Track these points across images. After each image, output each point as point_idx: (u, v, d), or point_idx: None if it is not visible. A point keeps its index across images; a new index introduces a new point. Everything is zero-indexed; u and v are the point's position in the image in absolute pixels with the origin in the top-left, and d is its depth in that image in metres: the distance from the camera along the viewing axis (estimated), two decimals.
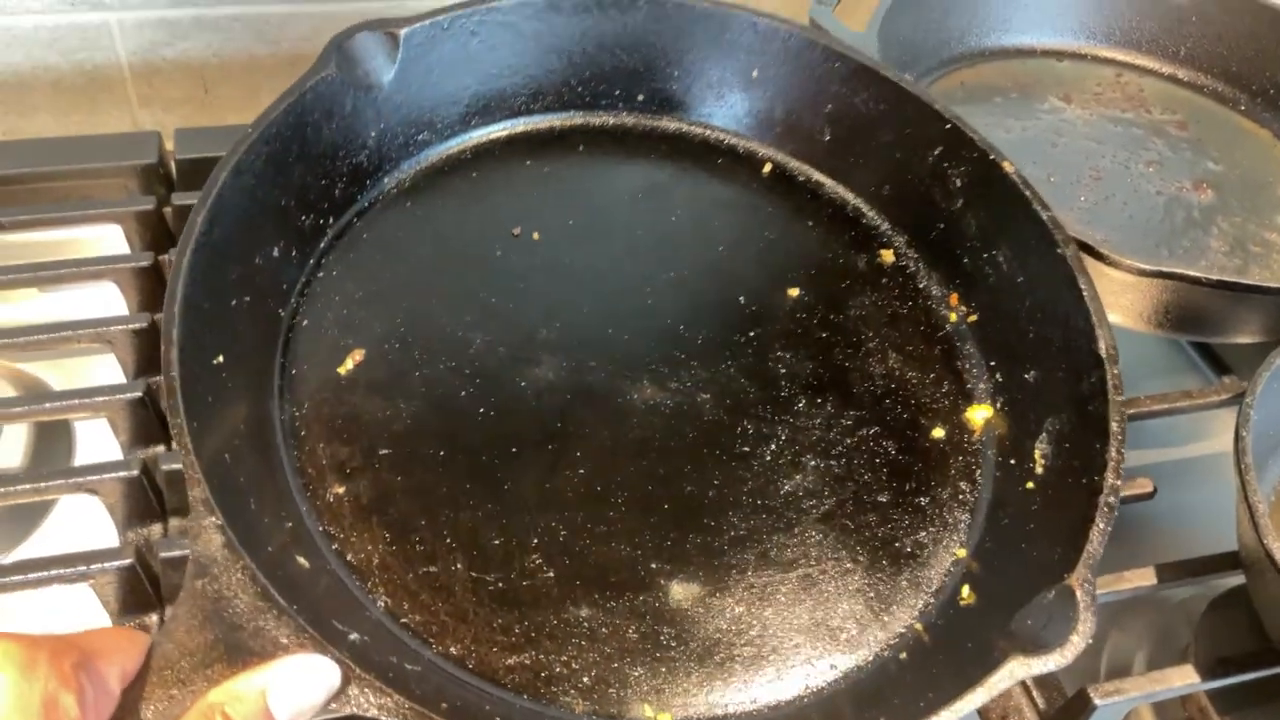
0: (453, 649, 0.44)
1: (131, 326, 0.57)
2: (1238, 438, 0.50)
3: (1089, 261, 0.58)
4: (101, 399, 0.54)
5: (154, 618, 0.49)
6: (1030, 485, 0.51)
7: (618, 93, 0.65)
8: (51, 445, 0.60)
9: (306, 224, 0.54)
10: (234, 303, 0.49)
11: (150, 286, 0.61)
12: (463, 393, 0.52)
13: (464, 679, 0.43)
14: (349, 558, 0.46)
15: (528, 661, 0.44)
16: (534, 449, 0.51)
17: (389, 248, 0.56)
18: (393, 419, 0.50)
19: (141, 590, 0.49)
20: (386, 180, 0.59)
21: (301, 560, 0.44)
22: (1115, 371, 0.50)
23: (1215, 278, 0.57)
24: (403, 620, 0.44)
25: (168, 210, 0.65)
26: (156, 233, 0.65)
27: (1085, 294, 0.53)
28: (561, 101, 0.64)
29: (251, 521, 0.41)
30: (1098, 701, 0.48)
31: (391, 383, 0.52)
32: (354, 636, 0.40)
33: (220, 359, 0.46)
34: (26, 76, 0.74)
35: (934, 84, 0.79)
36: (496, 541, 0.47)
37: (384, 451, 0.49)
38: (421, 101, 0.59)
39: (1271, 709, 0.53)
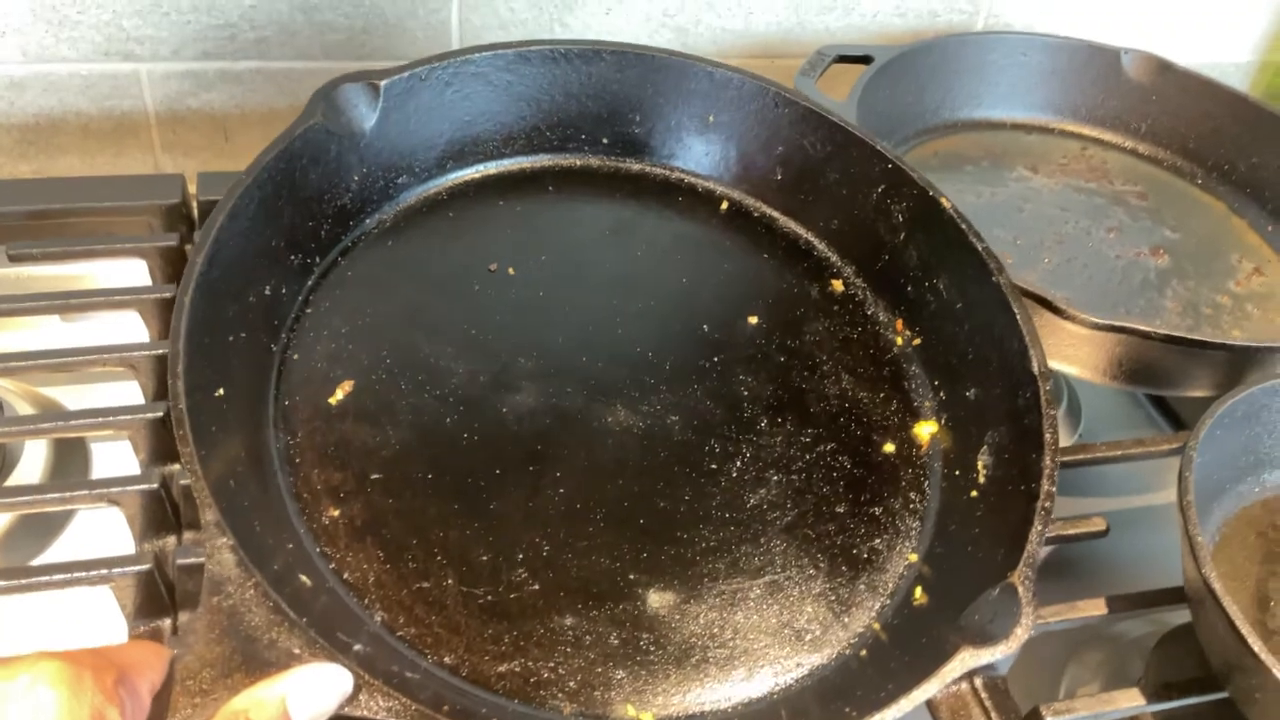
0: (447, 658, 0.47)
1: (154, 352, 0.59)
2: (1181, 478, 0.54)
3: (1049, 317, 0.62)
4: (125, 418, 0.56)
5: (168, 621, 0.51)
6: (974, 494, 0.55)
7: (584, 137, 0.68)
8: (69, 463, 0.62)
9: (295, 263, 0.57)
10: (231, 338, 0.51)
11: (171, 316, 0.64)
12: (448, 419, 0.55)
13: (459, 686, 0.46)
14: (346, 576, 0.48)
15: (517, 669, 0.47)
16: (516, 470, 0.54)
17: (373, 284, 0.59)
18: (382, 445, 0.53)
19: (158, 595, 0.51)
20: (369, 221, 0.61)
21: (304, 579, 0.46)
22: (1047, 388, 0.55)
23: (1164, 332, 0.61)
24: (399, 633, 0.47)
25: (189, 247, 0.68)
26: (178, 268, 0.67)
27: (1019, 317, 0.57)
28: (531, 145, 0.67)
29: (257, 543, 0.43)
30: (1050, 719, 0.51)
31: (380, 411, 0.54)
32: (358, 647, 0.42)
33: (221, 391, 0.49)
34: (58, 120, 0.77)
35: (909, 152, 0.84)
36: (484, 558, 0.50)
37: (375, 476, 0.52)
38: (400, 147, 0.62)
39: None
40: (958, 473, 0.57)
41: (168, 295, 0.63)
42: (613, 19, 0.83)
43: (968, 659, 0.44)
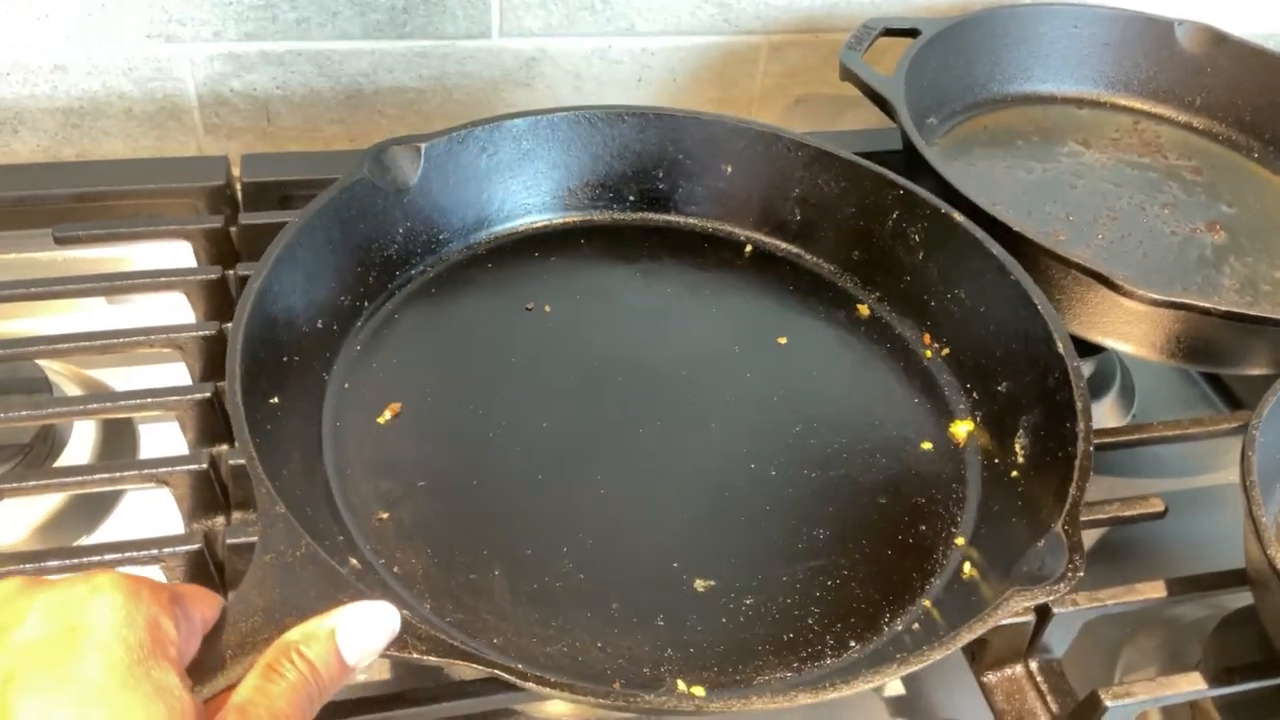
0: (495, 640, 0.48)
1: (201, 333, 0.60)
2: (1244, 457, 0.53)
3: (1105, 294, 0.61)
4: (174, 398, 0.57)
5: None
6: (1014, 474, 0.57)
7: (611, 194, 0.72)
8: (117, 444, 0.63)
9: (346, 304, 0.61)
10: (285, 359, 0.55)
11: (217, 298, 0.64)
12: (490, 433, 0.58)
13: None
14: (395, 570, 0.50)
15: (565, 649, 0.48)
16: (557, 475, 0.56)
17: (418, 326, 0.63)
18: (428, 457, 0.56)
19: (207, 574, 0.52)
20: (413, 271, 0.65)
21: (354, 562, 0.48)
22: (1075, 364, 0.56)
23: (1224, 309, 0.60)
24: (448, 619, 0.48)
25: (233, 229, 0.69)
26: (223, 249, 0.68)
27: (1039, 307, 0.59)
28: (563, 204, 0.71)
29: (308, 525, 0.44)
30: (1108, 703, 0.50)
31: (425, 429, 0.57)
32: (405, 612, 0.42)
33: (275, 400, 0.52)
34: (101, 103, 0.77)
35: (958, 127, 0.83)
36: (529, 552, 0.52)
37: (421, 484, 0.54)
38: (441, 204, 0.66)
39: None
40: (996, 460, 0.59)
41: (213, 277, 0.64)
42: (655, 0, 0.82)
43: (1016, 600, 0.45)
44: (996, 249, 0.63)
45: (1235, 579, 0.56)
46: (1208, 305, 0.60)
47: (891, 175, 0.68)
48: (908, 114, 0.71)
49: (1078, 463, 0.51)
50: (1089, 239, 0.74)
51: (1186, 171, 0.83)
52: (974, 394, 0.63)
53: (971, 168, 0.79)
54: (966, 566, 0.53)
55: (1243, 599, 0.59)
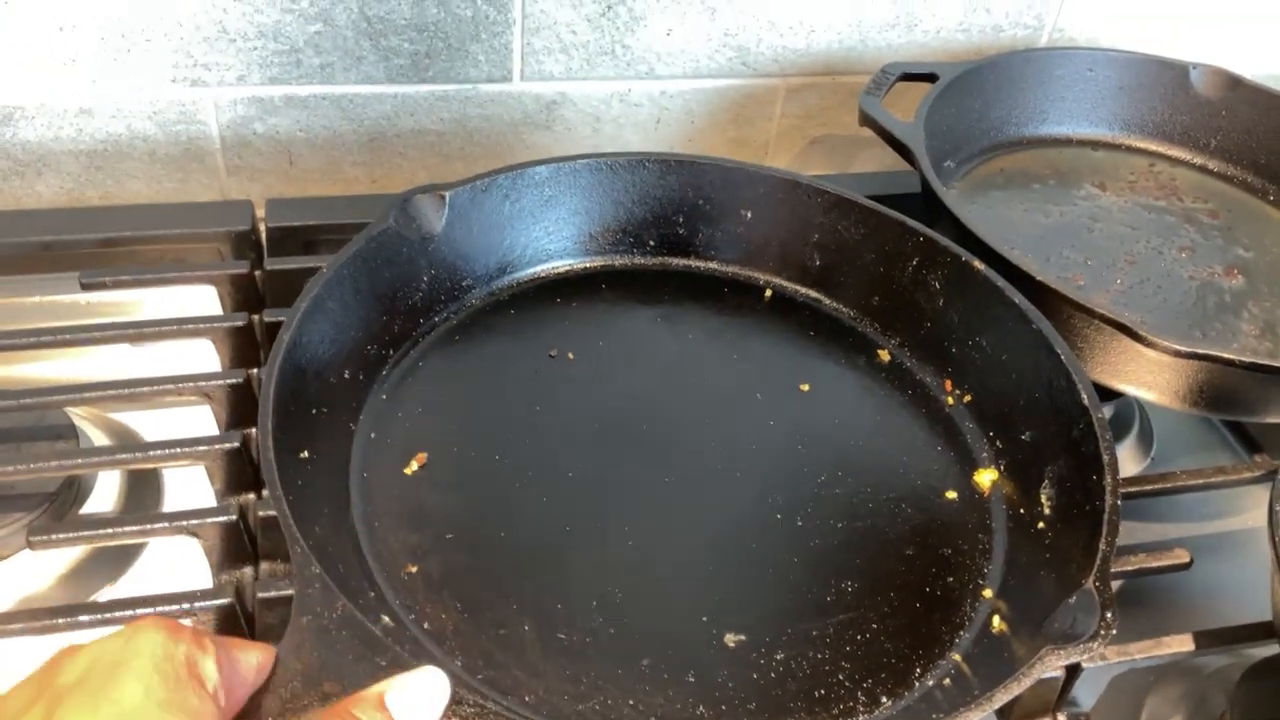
0: (527, 698, 0.47)
1: (229, 381, 0.60)
2: (1271, 511, 0.53)
3: (1127, 343, 0.61)
4: (202, 448, 0.57)
5: None
6: (1041, 525, 0.56)
7: (632, 240, 0.72)
8: (142, 492, 0.63)
9: (372, 353, 0.61)
10: (314, 412, 0.54)
11: (243, 344, 0.64)
12: (517, 484, 0.57)
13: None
14: (425, 626, 0.49)
15: (597, 707, 0.47)
16: (585, 527, 0.55)
17: (443, 373, 0.62)
18: (455, 509, 0.55)
19: (238, 628, 0.52)
20: (437, 318, 0.65)
21: (386, 619, 0.47)
22: (1099, 416, 0.55)
23: (1249, 360, 0.59)
24: (479, 676, 0.47)
25: (259, 274, 0.69)
26: (248, 294, 0.68)
27: (1063, 357, 0.59)
28: (585, 249, 0.71)
29: (341, 583, 0.44)
30: None
31: (452, 479, 0.57)
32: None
33: (305, 454, 0.51)
34: (125, 146, 0.78)
35: (975, 170, 0.83)
36: (559, 606, 0.51)
37: (449, 536, 0.53)
38: (465, 251, 0.66)
39: None
40: (1022, 511, 0.58)
41: (240, 324, 0.64)
42: (674, 39, 0.83)
43: (1051, 659, 0.44)
44: (1018, 297, 0.62)
45: (1261, 632, 0.56)
46: (1231, 357, 0.59)
47: (912, 223, 0.67)
48: (927, 159, 0.70)
49: (1106, 517, 0.51)
50: (1108, 284, 0.74)
51: (1203, 214, 0.82)
52: (997, 442, 0.62)
53: (989, 211, 0.79)
54: (996, 620, 0.53)
55: (1267, 649, 0.59)
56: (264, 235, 0.73)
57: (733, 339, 0.69)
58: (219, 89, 0.77)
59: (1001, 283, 0.63)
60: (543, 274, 0.70)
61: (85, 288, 0.66)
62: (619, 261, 0.72)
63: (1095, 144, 0.88)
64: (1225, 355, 0.59)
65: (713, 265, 0.73)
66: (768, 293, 0.72)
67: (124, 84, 0.76)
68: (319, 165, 0.83)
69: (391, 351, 0.62)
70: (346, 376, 0.58)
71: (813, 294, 0.72)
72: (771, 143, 0.92)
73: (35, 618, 0.49)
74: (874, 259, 0.69)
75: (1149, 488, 0.63)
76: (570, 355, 0.65)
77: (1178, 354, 0.60)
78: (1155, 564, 0.58)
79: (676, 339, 0.68)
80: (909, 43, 0.88)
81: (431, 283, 0.65)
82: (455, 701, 0.40)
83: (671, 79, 0.86)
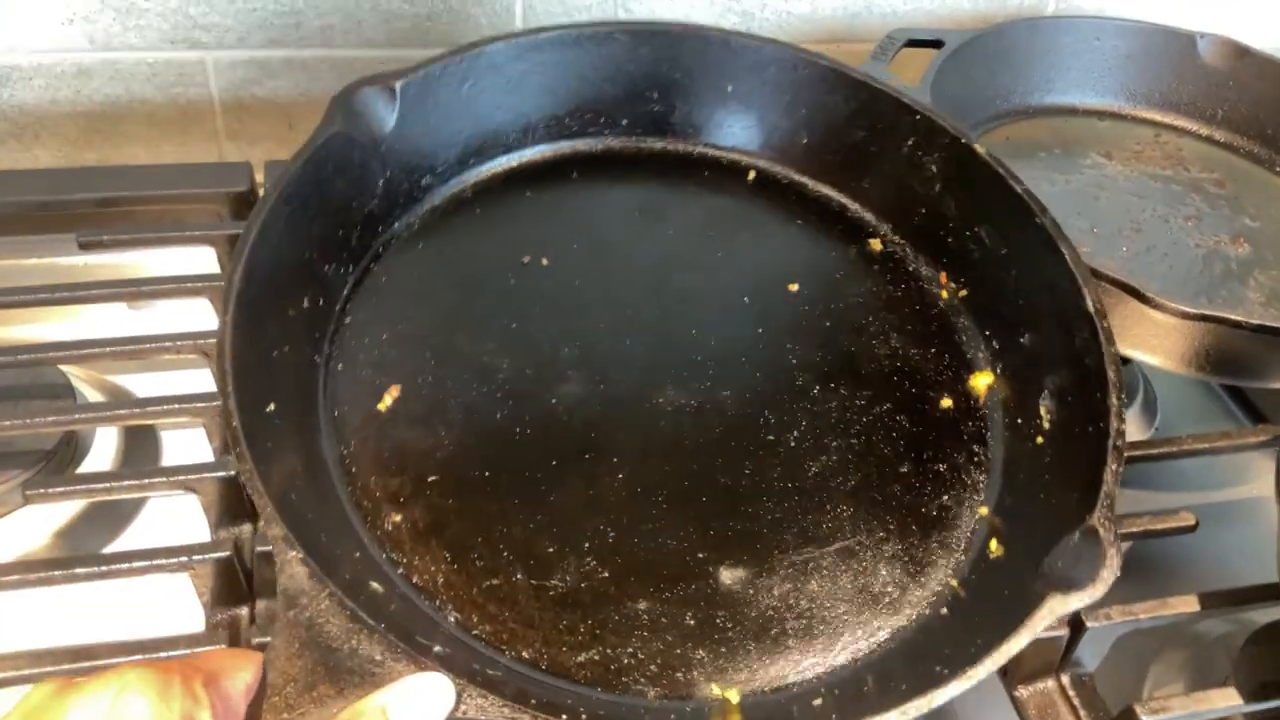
0: (525, 653, 0.45)
1: None
2: (1279, 472, 0.53)
3: (1134, 306, 0.60)
4: (201, 405, 0.55)
5: (245, 610, 0.51)
6: (1040, 440, 0.53)
7: (603, 120, 0.65)
8: (140, 451, 0.62)
9: (330, 273, 0.55)
10: (275, 354, 0.49)
11: None
12: (498, 415, 0.53)
13: (540, 679, 0.44)
14: (415, 580, 0.46)
15: (596, 657, 0.45)
16: (572, 461, 0.52)
17: (407, 288, 0.57)
18: (436, 447, 0.51)
19: (236, 582, 0.50)
20: (397, 225, 0.59)
21: (375, 585, 0.44)
22: (1105, 325, 0.52)
23: (1256, 322, 0.58)
24: (474, 632, 0.45)
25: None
26: None
27: (1068, 257, 0.54)
28: (551, 133, 0.65)
29: (325, 553, 0.42)
30: (1144, 718, 0.49)
31: (430, 414, 0.52)
32: (437, 649, 0.41)
33: (272, 406, 0.47)
34: (123, 108, 0.76)
35: (981, 138, 0.82)
36: (550, 550, 0.48)
37: (432, 478, 0.50)
38: (421, 147, 0.60)
39: None
40: (1020, 421, 0.55)
41: None
42: (677, 4, 0.81)
43: (1056, 606, 0.42)
44: (1021, 187, 0.57)
45: (1268, 593, 0.55)
46: (1239, 319, 0.58)
47: (908, 98, 0.62)
48: None
49: (1110, 443, 0.47)
50: (1114, 251, 0.72)
51: (1209, 184, 0.80)
52: (994, 343, 0.58)
53: None
54: (993, 544, 0.50)
55: (1269, 614, 0.58)
56: None
57: (716, 233, 0.63)
58: (218, 51, 0.76)
59: (1004, 170, 0.58)
60: (509, 165, 0.64)
61: (83, 247, 0.64)
62: (591, 145, 0.66)
63: (1101, 114, 0.86)
64: (1233, 317, 0.58)
65: (692, 146, 0.67)
66: (751, 174, 0.66)
67: (122, 45, 0.74)
68: None
69: (351, 268, 0.56)
70: (305, 305, 0.53)
71: (799, 176, 0.66)
72: None
73: (32, 569, 0.48)
74: (865, 137, 0.64)
75: (1154, 452, 0.62)
76: (544, 261, 0.60)
77: (1184, 315, 0.59)
78: (1160, 526, 0.56)
79: (656, 236, 0.63)
80: (915, 9, 0.86)
81: (387, 186, 0.58)
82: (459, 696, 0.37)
83: None
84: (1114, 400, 0.49)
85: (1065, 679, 0.54)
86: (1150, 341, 0.63)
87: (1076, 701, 0.53)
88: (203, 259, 0.69)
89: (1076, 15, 0.89)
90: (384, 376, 0.53)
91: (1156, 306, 0.59)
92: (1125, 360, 0.66)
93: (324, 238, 0.54)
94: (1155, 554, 0.63)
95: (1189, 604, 0.54)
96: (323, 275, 0.54)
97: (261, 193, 0.70)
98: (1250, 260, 0.74)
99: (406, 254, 0.59)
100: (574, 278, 0.60)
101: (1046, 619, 0.42)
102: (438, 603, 0.46)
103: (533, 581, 0.47)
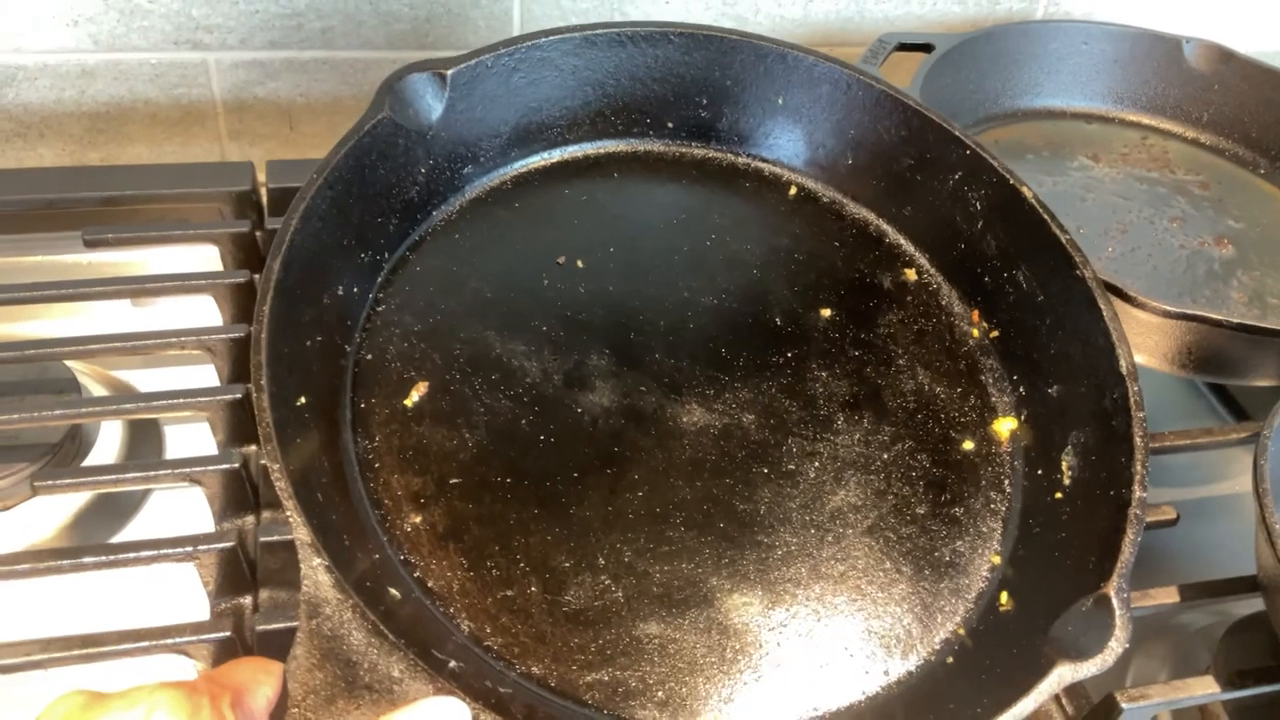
0: (534, 669, 0.45)
1: (231, 335, 0.58)
2: (1256, 465, 0.53)
3: (1118, 304, 0.60)
4: (206, 399, 0.55)
5: (249, 599, 0.51)
6: (1059, 495, 0.53)
7: (649, 121, 0.66)
8: (143, 445, 0.62)
9: (365, 261, 0.55)
10: (308, 343, 0.50)
11: (245, 301, 0.62)
12: (523, 421, 0.53)
13: (548, 697, 0.44)
14: (430, 584, 0.46)
15: (605, 678, 0.45)
16: (594, 473, 0.52)
17: (442, 280, 0.57)
18: (459, 449, 0.51)
19: (240, 572, 0.51)
20: (436, 214, 0.59)
21: (393, 592, 0.44)
22: (1136, 388, 0.51)
23: (1235, 321, 0.59)
24: (485, 643, 0.45)
25: (259, 234, 0.68)
26: (249, 254, 0.67)
27: (1105, 314, 0.54)
28: (596, 131, 0.65)
29: (347, 557, 0.42)
30: (1124, 705, 0.49)
31: (455, 413, 0.52)
32: (453, 664, 0.41)
33: (302, 400, 0.47)
34: (127, 108, 0.76)
35: None
36: (566, 564, 0.48)
37: (454, 481, 0.50)
38: (466, 137, 0.60)
39: None
40: (1040, 472, 0.55)
41: (241, 280, 0.63)
42: (673, 7, 0.82)
43: (1065, 675, 0.42)
44: (1065, 238, 0.57)
45: (1246, 585, 0.55)
46: (1219, 317, 0.59)
47: (960, 132, 0.61)
48: None
49: (1131, 511, 0.47)
50: (1099, 252, 0.73)
51: (1194, 186, 0.82)
52: (1021, 389, 0.58)
53: None
54: (1004, 596, 0.50)
55: (1249, 606, 0.59)
56: (265, 196, 0.71)
57: (753, 246, 0.63)
58: (220, 52, 0.76)
59: (1048, 216, 0.58)
60: (551, 160, 0.64)
61: (88, 244, 0.65)
62: (634, 146, 0.66)
63: (1089, 117, 0.87)
64: (1213, 315, 0.60)
65: (735, 155, 0.67)
66: (792, 190, 0.66)
67: (126, 46, 0.74)
68: (319, 130, 0.81)
69: (387, 255, 0.57)
70: (340, 293, 0.53)
71: (840, 196, 0.66)
72: None
73: (40, 559, 0.49)
74: (912, 165, 0.63)
75: None
76: (579, 263, 0.60)
77: (1166, 314, 0.60)
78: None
79: (693, 245, 0.62)
80: (905, 14, 0.87)
81: (429, 174, 0.58)
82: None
83: None
84: (1139, 468, 0.49)
85: None
86: (1134, 340, 0.64)
87: (1060, 691, 0.54)
88: (205, 257, 0.69)
89: (1064, 20, 0.90)
90: (412, 371, 0.53)
91: (1139, 306, 0.60)
92: None
93: (362, 224, 0.55)
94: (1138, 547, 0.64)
95: (1169, 595, 0.55)
96: (358, 262, 0.55)
97: (264, 192, 0.71)
98: (1233, 261, 0.75)
99: (443, 244, 0.59)
100: (607, 283, 0.60)
101: (1054, 687, 0.42)
102: (451, 610, 0.46)
103: (547, 596, 0.47)
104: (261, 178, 0.72)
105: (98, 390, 0.64)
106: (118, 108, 0.77)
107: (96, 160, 0.79)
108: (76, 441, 0.60)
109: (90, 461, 0.60)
